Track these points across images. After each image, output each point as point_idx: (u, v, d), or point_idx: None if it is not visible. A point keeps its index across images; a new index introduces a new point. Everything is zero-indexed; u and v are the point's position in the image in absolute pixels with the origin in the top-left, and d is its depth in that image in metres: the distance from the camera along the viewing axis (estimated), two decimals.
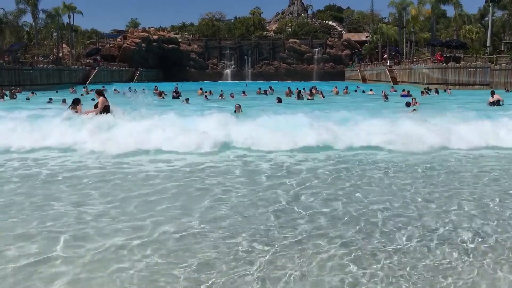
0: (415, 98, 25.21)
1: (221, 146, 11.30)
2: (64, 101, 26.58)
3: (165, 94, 33.67)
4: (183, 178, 8.27)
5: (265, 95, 36.68)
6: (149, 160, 10.04)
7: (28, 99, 31.95)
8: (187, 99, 27.01)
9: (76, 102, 15.74)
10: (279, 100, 26.31)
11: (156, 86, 39.99)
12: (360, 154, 10.70)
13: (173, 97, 30.76)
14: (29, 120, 13.66)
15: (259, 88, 39.98)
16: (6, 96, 33.12)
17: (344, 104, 26.34)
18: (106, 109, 14.58)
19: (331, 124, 12.54)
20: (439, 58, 49.90)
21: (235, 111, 17.82)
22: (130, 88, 41.25)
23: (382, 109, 20.01)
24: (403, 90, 34.92)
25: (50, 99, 29.64)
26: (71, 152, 10.90)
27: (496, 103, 22.77)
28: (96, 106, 14.71)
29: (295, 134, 11.70)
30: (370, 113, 15.81)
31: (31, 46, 71.79)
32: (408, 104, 22.40)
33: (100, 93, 15.01)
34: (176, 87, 35.23)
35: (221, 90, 35.28)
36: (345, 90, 39.37)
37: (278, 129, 11.97)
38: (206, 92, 34.85)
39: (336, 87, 39.44)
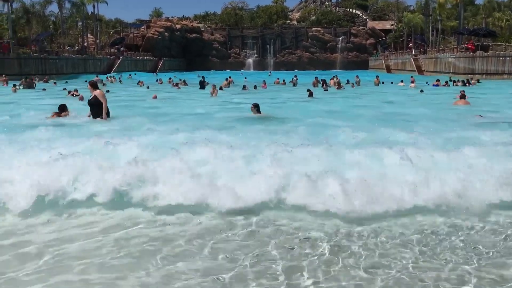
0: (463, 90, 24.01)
1: None
2: (76, 91, 27.30)
3: (180, 85, 34.11)
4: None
5: (294, 85, 35.41)
6: None
7: (44, 89, 31.57)
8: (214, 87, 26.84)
9: (62, 109, 13.15)
10: (311, 94, 23.36)
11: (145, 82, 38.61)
12: None
13: (201, 87, 30.53)
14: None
15: (278, 78, 39.99)
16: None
17: (381, 97, 23.69)
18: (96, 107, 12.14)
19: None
20: (470, 46, 48.47)
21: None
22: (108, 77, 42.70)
23: (437, 111, 15.84)
24: (437, 80, 33.74)
25: (64, 89, 29.57)
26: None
27: None
28: (94, 103, 12.09)
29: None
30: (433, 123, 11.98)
31: (57, 35, 72.93)
32: (462, 97, 21.00)
33: (94, 85, 12.42)
34: (203, 77, 35.58)
35: (245, 78, 35.61)
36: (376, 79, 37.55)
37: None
38: (228, 79, 35.40)
39: (377, 76, 37.96)
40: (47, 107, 15.58)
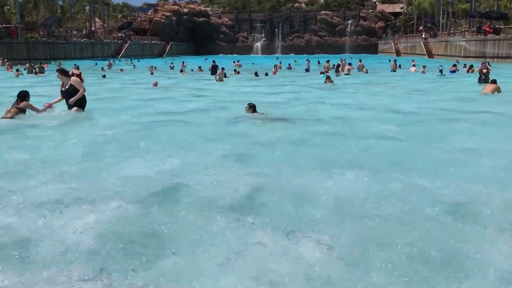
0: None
1: None
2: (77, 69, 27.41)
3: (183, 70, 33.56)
4: None
5: (307, 71, 33.24)
6: None
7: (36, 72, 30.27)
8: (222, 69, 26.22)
9: (22, 96, 10.06)
10: (329, 78, 21.46)
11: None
12: None
13: (212, 73, 28.66)
14: None
15: (290, 64, 38.73)
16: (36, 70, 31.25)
17: (404, 85, 21.00)
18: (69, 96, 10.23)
19: None
20: (488, 29, 47.59)
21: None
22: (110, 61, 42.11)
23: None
24: (453, 66, 31.29)
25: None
26: None
27: None
28: (71, 93, 10.18)
29: None
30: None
31: (64, 20, 72.89)
32: (484, 80, 19.67)
33: (66, 72, 10.67)
34: (214, 61, 33.40)
35: (253, 63, 34.65)
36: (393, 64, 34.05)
37: None
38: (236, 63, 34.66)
39: (395, 61, 35.27)
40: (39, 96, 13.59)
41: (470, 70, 28.85)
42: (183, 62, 41.10)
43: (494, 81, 16.60)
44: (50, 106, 10.27)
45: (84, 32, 68.55)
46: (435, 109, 12.17)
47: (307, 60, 36.93)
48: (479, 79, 20.79)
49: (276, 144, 7.55)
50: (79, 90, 10.18)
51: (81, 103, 10.41)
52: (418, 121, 10.31)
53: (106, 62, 41.20)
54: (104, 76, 27.12)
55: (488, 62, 23.77)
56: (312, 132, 8.92)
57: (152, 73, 30.53)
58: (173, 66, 39.24)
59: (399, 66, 34.30)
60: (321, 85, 20.75)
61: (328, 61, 34.27)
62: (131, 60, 51.05)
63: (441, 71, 26.59)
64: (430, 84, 21.36)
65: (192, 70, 35.23)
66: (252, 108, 10.55)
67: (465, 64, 32.39)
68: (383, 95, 16.48)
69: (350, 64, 31.46)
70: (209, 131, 8.98)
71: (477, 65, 24.16)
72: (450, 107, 12.68)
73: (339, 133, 8.85)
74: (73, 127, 9.34)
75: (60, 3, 78.33)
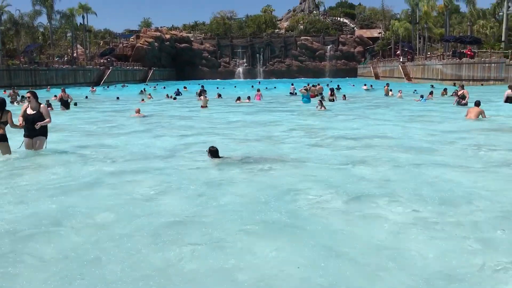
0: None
1: None
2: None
3: (173, 97, 33.40)
4: None
5: (292, 94, 34.06)
6: None
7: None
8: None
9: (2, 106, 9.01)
10: (321, 104, 20.76)
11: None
12: None
13: (199, 95, 28.63)
14: None
15: (275, 87, 39.09)
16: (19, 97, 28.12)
17: (400, 113, 19.18)
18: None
19: None
20: (469, 53, 49.22)
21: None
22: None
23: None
24: (430, 93, 29.41)
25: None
26: None
27: (511, 99, 22.30)
28: (36, 119, 9.37)
29: None
30: None
31: (46, 47, 72.89)
32: (462, 103, 20.01)
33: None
34: (203, 86, 33.14)
35: (235, 86, 34.16)
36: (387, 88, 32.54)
37: None
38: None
39: (388, 84, 34.68)
40: None
41: (444, 93, 29.80)
42: (177, 89, 40.15)
43: (477, 104, 16.23)
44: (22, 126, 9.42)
45: (66, 58, 68.54)
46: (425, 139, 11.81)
47: (292, 84, 37.65)
48: (457, 103, 21.01)
49: (228, 206, 5.93)
50: (43, 118, 9.45)
51: (45, 131, 9.71)
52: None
53: (91, 88, 41.08)
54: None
55: (462, 85, 24.29)
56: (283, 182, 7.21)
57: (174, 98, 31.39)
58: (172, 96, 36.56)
59: (390, 90, 33.29)
60: (311, 111, 20.17)
61: (317, 85, 34.34)
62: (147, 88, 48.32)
63: (421, 96, 27.05)
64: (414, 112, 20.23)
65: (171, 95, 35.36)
66: (212, 153, 8.96)
67: (446, 89, 32.12)
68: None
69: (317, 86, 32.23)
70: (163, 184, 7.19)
71: (454, 88, 24.21)
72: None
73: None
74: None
75: (41, 30, 78.52)
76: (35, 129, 9.35)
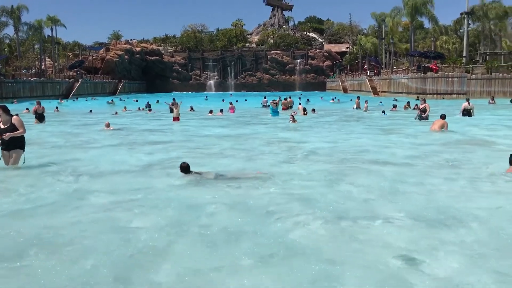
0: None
1: None
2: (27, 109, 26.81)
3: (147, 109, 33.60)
4: None
5: (264, 106, 34.37)
6: None
7: None
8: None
9: None
10: (293, 119, 21.16)
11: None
12: None
13: (171, 111, 28.40)
14: None
15: (246, 99, 39.66)
16: None
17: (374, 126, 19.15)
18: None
19: None
20: (434, 67, 51.20)
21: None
22: None
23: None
24: (394, 106, 30.59)
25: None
26: None
27: (468, 112, 23.40)
28: (4, 132, 9.32)
29: None
30: None
31: (13, 59, 71.44)
32: (424, 117, 20.71)
33: (7, 110, 9.55)
34: (174, 99, 32.70)
35: (206, 97, 33.95)
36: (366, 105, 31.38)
37: None
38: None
39: (358, 98, 35.00)
40: None
41: (407, 106, 30.71)
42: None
43: (443, 117, 17.06)
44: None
45: (34, 70, 67.37)
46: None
47: (265, 97, 38.23)
48: (419, 116, 21.42)
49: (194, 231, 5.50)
50: (17, 130, 9.39)
51: (21, 143, 9.62)
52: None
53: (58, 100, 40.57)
54: (41, 118, 23.64)
55: (424, 99, 24.98)
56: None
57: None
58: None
59: (338, 100, 34.00)
60: (284, 125, 20.23)
61: (288, 98, 34.98)
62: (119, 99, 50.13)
63: (383, 111, 27.75)
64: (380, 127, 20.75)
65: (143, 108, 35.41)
66: (183, 169, 8.60)
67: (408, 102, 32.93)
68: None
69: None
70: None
71: (415, 102, 24.09)
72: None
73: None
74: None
75: (8, 41, 77.02)
76: (10, 142, 9.31)
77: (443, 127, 16.60)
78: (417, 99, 35.45)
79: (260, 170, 9.33)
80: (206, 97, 51.01)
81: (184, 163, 8.77)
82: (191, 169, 8.69)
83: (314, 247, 4.90)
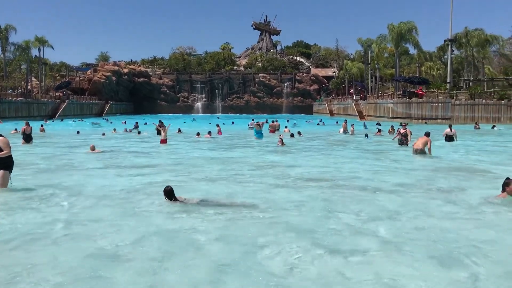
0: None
1: None
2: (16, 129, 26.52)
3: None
4: None
5: (251, 128, 32.70)
6: None
7: None
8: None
9: None
10: (281, 142, 21.39)
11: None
12: None
13: (158, 133, 27.30)
14: None
15: (232, 122, 39.89)
16: None
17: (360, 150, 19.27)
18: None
19: None
20: (420, 92, 52.05)
21: None
22: None
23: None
24: (378, 131, 31.20)
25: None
26: None
27: (450, 137, 23.72)
28: None
29: None
30: None
31: None
32: (404, 142, 20.92)
33: None
34: (160, 121, 32.87)
35: (193, 118, 33.46)
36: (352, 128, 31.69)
37: None
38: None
39: (346, 121, 34.40)
40: None
41: (391, 130, 30.97)
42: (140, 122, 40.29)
43: (427, 134, 17.34)
44: None
45: (20, 91, 66.87)
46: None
47: (253, 119, 38.28)
48: (399, 140, 21.39)
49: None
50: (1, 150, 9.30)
51: (5, 164, 9.50)
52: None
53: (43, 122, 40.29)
54: (29, 139, 23.29)
55: (406, 123, 25.06)
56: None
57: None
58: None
59: (323, 123, 33.65)
60: (271, 149, 20.11)
61: (275, 121, 35.27)
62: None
63: (366, 135, 28.02)
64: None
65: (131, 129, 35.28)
66: (166, 194, 8.33)
67: (392, 126, 33.13)
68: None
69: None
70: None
71: (398, 127, 24.14)
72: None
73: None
74: None
75: None
76: None
77: (426, 144, 16.88)
78: (401, 124, 35.38)
79: (247, 196, 9.02)
80: (194, 118, 51.22)
81: (167, 187, 8.49)
82: (176, 194, 8.38)
83: (304, 285, 4.57)
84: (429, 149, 16.85)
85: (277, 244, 5.86)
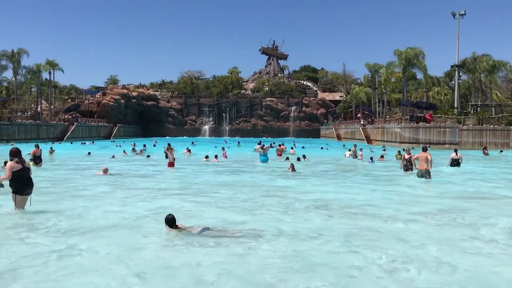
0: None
1: None
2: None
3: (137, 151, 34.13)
4: None
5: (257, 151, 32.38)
6: None
7: None
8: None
9: None
10: (292, 168, 20.95)
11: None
12: None
13: (166, 156, 26.93)
14: None
15: (238, 142, 40.09)
16: None
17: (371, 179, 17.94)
18: (20, 178, 9.62)
19: None
20: (429, 117, 52.00)
21: None
22: None
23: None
24: (381, 157, 30.68)
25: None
26: None
27: (456, 162, 23.71)
28: None
29: None
30: None
31: (10, 101, 71.88)
32: (409, 167, 20.73)
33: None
34: (169, 144, 32.87)
35: (192, 143, 33.52)
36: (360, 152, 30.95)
37: None
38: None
39: (355, 146, 33.48)
40: None
41: (398, 155, 30.77)
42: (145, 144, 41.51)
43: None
44: None
45: (29, 113, 67.65)
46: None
47: (259, 142, 38.32)
48: (405, 166, 21.21)
49: None
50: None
51: (13, 187, 9.73)
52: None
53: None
54: (38, 161, 23.26)
55: (411, 148, 25.12)
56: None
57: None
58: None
59: (360, 148, 32.71)
60: (283, 175, 19.75)
61: (282, 144, 35.60)
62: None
63: (371, 158, 28.39)
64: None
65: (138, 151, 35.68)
66: (168, 222, 8.14)
67: (399, 151, 33.05)
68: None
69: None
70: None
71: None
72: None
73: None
74: None
75: (5, 84, 77.78)
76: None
77: (427, 160, 17.35)
78: (404, 150, 35.08)
79: (255, 225, 8.60)
80: (193, 142, 51.87)
81: (169, 215, 8.24)
82: (177, 223, 8.19)
83: None
84: (430, 161, 17.45)
85: (282, 283, 5.30)
